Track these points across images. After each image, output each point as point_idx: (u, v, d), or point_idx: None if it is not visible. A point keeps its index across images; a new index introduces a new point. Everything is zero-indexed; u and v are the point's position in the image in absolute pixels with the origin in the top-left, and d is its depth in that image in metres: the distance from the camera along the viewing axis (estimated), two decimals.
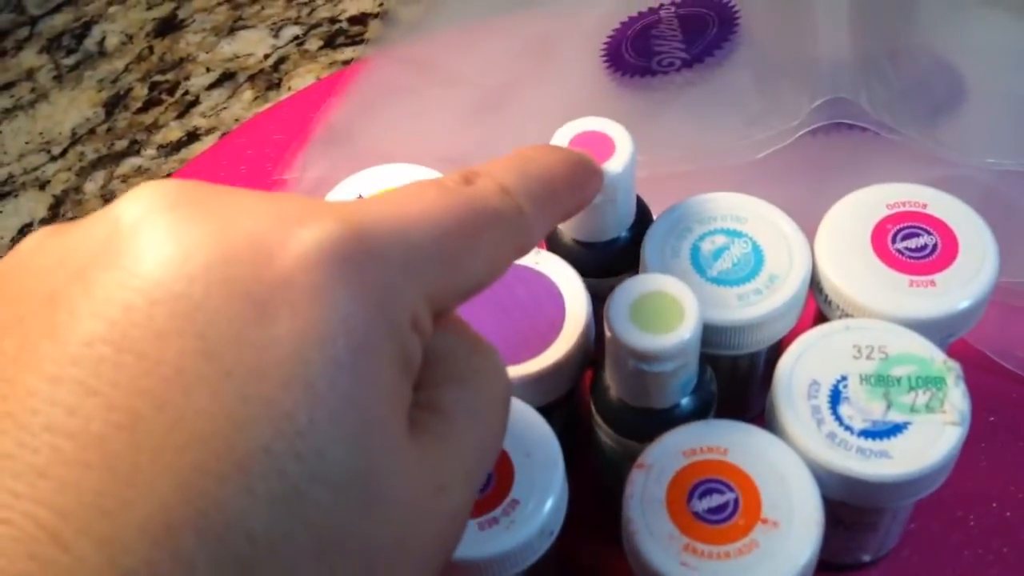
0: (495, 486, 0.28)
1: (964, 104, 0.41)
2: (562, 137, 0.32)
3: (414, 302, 0.19)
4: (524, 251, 0.23)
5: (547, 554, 0.29)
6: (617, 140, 0.31)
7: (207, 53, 0.54)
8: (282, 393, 0.17)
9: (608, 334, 0.28)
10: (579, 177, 0.26)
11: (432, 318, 0.20)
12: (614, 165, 0.31)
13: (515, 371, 0.30)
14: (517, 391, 0.30)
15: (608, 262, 0.33)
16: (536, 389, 0.30)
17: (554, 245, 0.34)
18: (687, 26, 0.45)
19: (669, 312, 0.27)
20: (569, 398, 0.32)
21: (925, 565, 0.33)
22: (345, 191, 0.35)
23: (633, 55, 0.45)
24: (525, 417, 0.29)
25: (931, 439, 0.27)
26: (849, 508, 0.29)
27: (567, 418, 0.32)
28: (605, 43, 0.46)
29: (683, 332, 0.27)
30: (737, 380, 0.32)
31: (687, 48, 0.44)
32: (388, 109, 0.46)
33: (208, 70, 0.54)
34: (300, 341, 0.17)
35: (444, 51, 0.48)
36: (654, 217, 0.33)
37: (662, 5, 0.47)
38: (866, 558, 0.32)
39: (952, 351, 0.30)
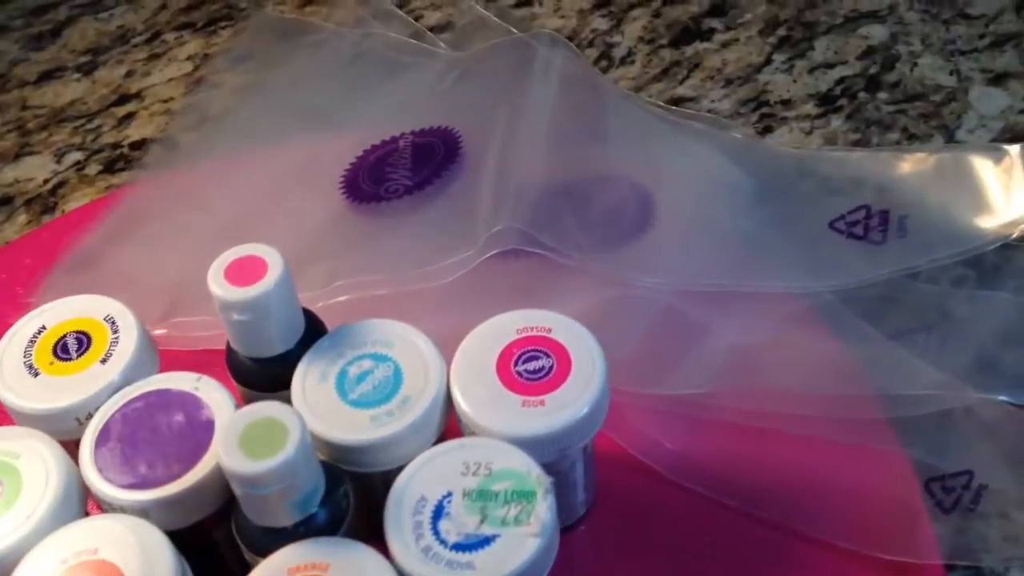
0: None
1: (652, 228, 0.45)
2: (220, 263, 0.34)
3: None
4: None
5: None
6: (269, 261, 0.34)
7: None
8: None
9: (220, 462, 0.30)
10: None
11: None
12: (264, 284, 0.33)
13: (154, 495, 0.32)
14: (160, 512, 0.32)
15: (278, 375, 0.35)
16: (178, 510, 0.32)
17: (232, 362, 0.36)
18: (417, 154, 0.49)
19: (275, 436, 0.30)
20: (230, 515, 0.34)
21: None
22: (29, 325, 0.37)
23: (368, 183, 0.49)
24: (150, 539, 0.31)
25: (513, 550, 0.30)
26: None
27: (229, 538, 0.34)
28: (345, 171, 0.50)
29: (284, 455, 0.29)
30: (376, 497, 0.35)
31: (412, 175, 0.48)
32: (135, 235, 0.48)
33: None
34: None
35: (202, 180, 0.51)
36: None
37: (403, 135, 0.51)
38: None
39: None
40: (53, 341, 0.36)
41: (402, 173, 0.48)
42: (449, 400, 0.34)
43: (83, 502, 0.33)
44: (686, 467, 0.39)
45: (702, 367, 0.40)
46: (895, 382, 0.38)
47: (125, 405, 0.34)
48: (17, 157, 0.58)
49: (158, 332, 0.44)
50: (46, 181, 0.56)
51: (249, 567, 0.33)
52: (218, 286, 0.33)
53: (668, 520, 0.38)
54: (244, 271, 0.34)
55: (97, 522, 0.31)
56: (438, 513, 0.31)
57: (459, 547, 0.30)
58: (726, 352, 0.41)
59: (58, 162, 0.57)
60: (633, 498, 0.39)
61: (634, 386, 0.40)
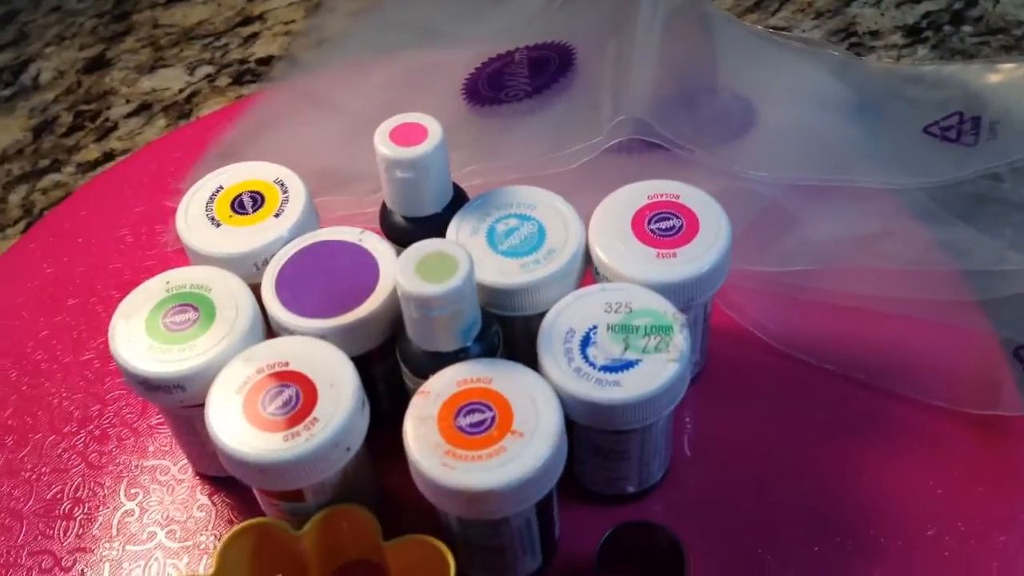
0: (301, 407, 0.34)
1: (754, 130, 0.48)
2: (385, 128, 0.38)
3: None
4: None
5: (359, 474, 0.35)
6: (429, 128, 0.38)
7: (129, 87, 0.61)
8: None
9: (397, 286, 0.34)
10: None
11: None
12: (426, 146, 0.37)
13: (332, 323, 0.36)
14: (334, 340, 0.36)
15: (428, 234, 0.39)
16: (350, 338, 0.36)
17: (387, 223, 0.40)
18: (533, 65, 0.53)
19: (446, 267, 0.34)
20: (391, 352, 0.38)
21: (684, 496, 0.39)
22: (208, 184, 0.41)
23: (487, 89, 0.53)
24: (333, 356, 0.35)
25: (655, 372, 0.34)
26: (598, 434, 0.35)
27: (390, 369, 0.38)
28: (465, 80, 0.54)
29: (455, 281, 0.33)
30: (518, 344, 0.39)
31: (530, 82, 0.52)
32: (275, 130, 0.53)
33: (128, 101, 0.60)
34: None
35: (329, 85, 0.55)
36: None
37: (517, 49, 0.55)
38: (630, 488, 0.38)
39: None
40: (231, 198, 0.40)
41: (520, 80, 0.52)
42: (587, 256, 0.38)
43: (266, 334, 0.38)
44: (790, 337, 0.43)
45: (802, 248, 0.44)
46: (983, 261, 0.41)
47: (298, 252, 0.39)
48: (152, 69, 0.63)
49: None
50: (181, 91, 0.61)
51: (404, 397, 0.38)
52: (384, 146, 0.38)
53: (771, 383, 0.42)
54: (407, 134, 0.38)
55: (285, 342, 0.36)
56: (586, 342, 0.35)
57: (607, 368, 0.34)
58: (824, 238, 0.44)
59: (191, 74, 0.62)
60: (739, 364, 0.43)
61: (740, 263, 0.43)
